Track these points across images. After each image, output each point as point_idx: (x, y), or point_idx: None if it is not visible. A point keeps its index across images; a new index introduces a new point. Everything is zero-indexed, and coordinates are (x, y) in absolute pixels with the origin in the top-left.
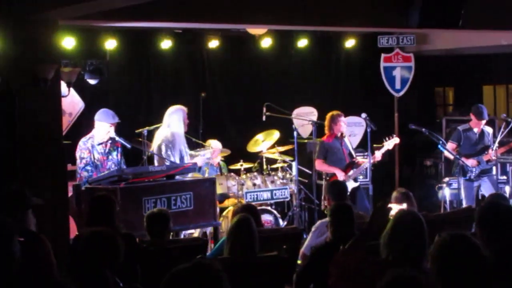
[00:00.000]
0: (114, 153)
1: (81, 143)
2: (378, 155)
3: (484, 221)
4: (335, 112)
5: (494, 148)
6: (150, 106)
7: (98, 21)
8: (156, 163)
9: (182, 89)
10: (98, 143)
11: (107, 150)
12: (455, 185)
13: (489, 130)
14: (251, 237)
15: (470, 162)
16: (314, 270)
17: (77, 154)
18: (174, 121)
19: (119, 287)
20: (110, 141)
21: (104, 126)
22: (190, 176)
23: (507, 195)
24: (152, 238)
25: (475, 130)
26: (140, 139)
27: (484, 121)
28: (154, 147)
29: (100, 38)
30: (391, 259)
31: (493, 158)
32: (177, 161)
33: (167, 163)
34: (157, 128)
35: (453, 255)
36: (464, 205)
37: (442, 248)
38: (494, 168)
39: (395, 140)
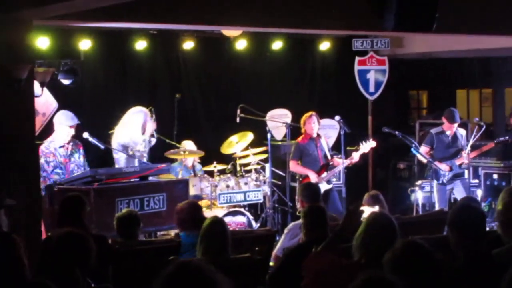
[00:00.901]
0: (76, 155)
1: (43, 147)
2: (356, 156)
3: (455, 224)
4: (312, 113)
5: (466, 152)
6: (125, 107)
7: (73, 21)
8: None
9: (157, 90)
10: (60, 146)
11: (68, 153)
12: (427, 188)
13: (462, 132)
14: (224, 239)
15: (443, 167)
16: (286, 272)
17: (42, 160)
18: (132, 123)
19: None
20: (71, 143)
21: (64, 129)
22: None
23: (479, 198)
24: (123, 239)
25: (448, 133)
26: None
27: (456, 124)
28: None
29: (74, 38)
30: (364, 261)
31: (466, 162)
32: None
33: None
34: None
35: (404, 263)
36: (437, 208)
37: (394, 256)
38: (466, 171)
39: (372, 143)
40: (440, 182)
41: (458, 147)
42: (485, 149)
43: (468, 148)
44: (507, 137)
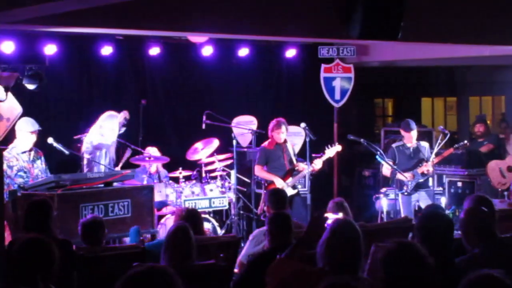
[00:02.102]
0: (38, 162)
1: (5, 153)
2: (319, 164)
3: (423, 231)
4: (280, 119)
5: (431, 160)
6: (91, 112)
7: (38, 26)
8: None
9: (122, 96)
10: (22, 152)
11: (31, 158)
12: (392, 196)
13: (425, 144)
14: (188, 245)
15: (406, 175)
16: (251, 279)
17: (5, 166)
18: (107, 127)
19: None
20: (33, 150)
21: (25, 135)
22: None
23: (443, 206)
24: (88, 245)
25: (409, 145)
26: (79, 145)
27: (413, 132)
28: (83, 148)
29: (39, 43)
30: (327, 268)
31: (430, 170)
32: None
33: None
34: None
35: (398, 264)
36: (402, 215)
37: (388, 256)
38: (430, 180)
39: (337, 147)
40: (404, 192)
41: (420, 157)
42: (445, 154)
43: (433, 156)
44: (465, 141)
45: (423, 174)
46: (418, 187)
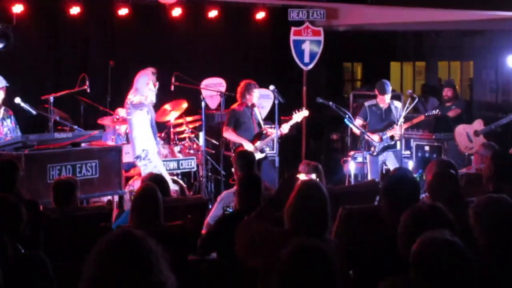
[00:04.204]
0: (8, 120)
1: None
2: (286, 128)
3: (389, 193)
4: (249, 82)
5: (399, 124)
6: (58, 73)
7: None
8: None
9: (90, 57)
10: None
11: (0, 117)
12: (360, 159)
13: (397, 105)
14: (155, 207)
15: (374, 137)
16: (218, 238)
17: None
18: (141, 85)
19: (20, 254)
20: (2, 109)
21: None
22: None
23: (411, 169)
24: (57, 206)
25: (381, 105)
26: (46, 106)
27: (387, 95)
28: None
29: (6, 2)
30: (294, 230)
31: (397, 134)
32: (147, 125)
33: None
34: (64, 95)
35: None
36: (369, 178)
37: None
38: (398, 143)
39: (304, 112)
40: (371, 153)
41: (391, 120)
42: (415, 121)
43: (401, 120)
44: (437, 111)
45: (392, 137)
46: (385, 148)
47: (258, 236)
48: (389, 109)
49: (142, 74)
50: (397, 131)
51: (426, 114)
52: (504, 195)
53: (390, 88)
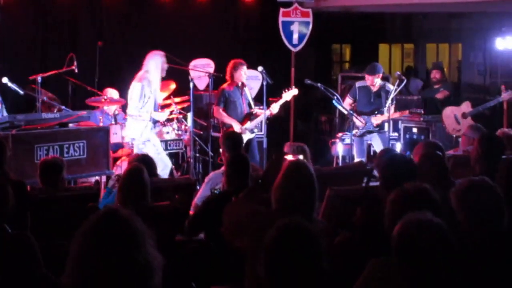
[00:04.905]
0: None
1: None
2: (276, 108)
3: (391, 179)
4: (237, 60)
5: (387, 105)
6: (46, 53)
7: None
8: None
9: (79, 37)
10: None
11: None
12: (348, 141)
13: (391, 86)
14: (142, 187)
15: (358, 122)
16: (206, 218)
17: None
18: (151, 67)
19: (7, 233)
20: None
21: None
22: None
23: (398, 151)
24: (44, 186)
25: (372, 88)
26: (33, 86)
27: (376, 76)
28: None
29: None
30: (282, 209)
31: (380, 121)
32: (151, 107)
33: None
34: (52, 75)
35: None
36: (356, 159)
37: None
38: (386, 124)
39: (294, 91)
40: (354, 134)
41: (380, 105)
42: (398, 115)
43: (389, 101)
44: (421, 110)
45: (378, 126)
46: (368, 132)
47: (246, 217)
48: (379, 93)
49: (153, 55)
50: (378, 120)
51: (411, 110)
52: (486, 178)
53: (381, 70)
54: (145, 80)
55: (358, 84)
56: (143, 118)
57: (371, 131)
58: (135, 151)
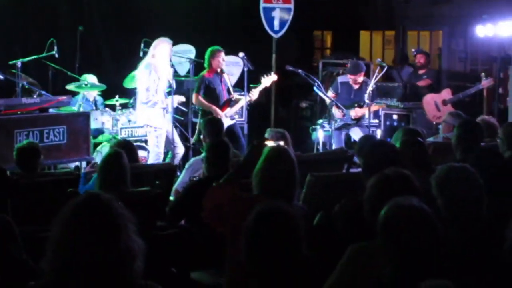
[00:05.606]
0: None
1: None
2: (255, 93)
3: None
4: (215, 48)
5: (368, 92)
6: (26, 37)
7: None
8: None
9: (59, 22)
10: None
11: None
12: (328, 127)
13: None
14: (121, 172)
15: (337, 113)
16: (187, 204)
17: None
18: (158, 53)
19: None
20: None
21: None
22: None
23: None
24: (23, 171)
25: (354, 86)
26: (14, 71)
27: (359, 75)
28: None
29: None
30: (262, 194)
31: (359, 114)
32: (161, 93)
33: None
34: (32, 60)
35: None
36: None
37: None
38: (367, 113)
39: (273, 77)
40: (332, 126)
41: (361, 98)
42: (376, 108)
43: (370, 88)
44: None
45: (356, 120)
46: (346, 125)
47: (226, 201)
48: (360, 89)
49: (160, 42)
50: (358, 113)
51: (386, 103)
52: (466, 165)
53: (364, 69)
54: (151, 66)
55: (340, 79)
56: (152, 103)
57: (349, 124)
58: (148, 138)
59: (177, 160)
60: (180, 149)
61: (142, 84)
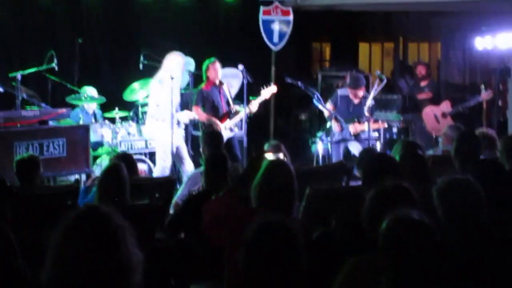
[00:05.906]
0: None
1: None
2: (255, 105)
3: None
4: (209, 60)
5: (367, 104)
6: (25, 49)
7: None
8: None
9: (57, 34)
10: None
11: None
12: (327, 141)
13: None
14: (121, 184)
15: (335, 126)
16: (186, 217)
17: None
18: (170, 67)
19: None
20: None
21: None
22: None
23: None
24: (22, 183)
25: (353, 100)
26: (14, 83)
27: (359, 90)
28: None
29: None
30: (261, 207)
31: (358, 130)
32: (174, 105)
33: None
34: (32, 72)
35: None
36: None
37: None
38: (366, 127)
39: (272, 89)
40: (330, 139)
41: (360, 113)
42: (377, 127)
43: (369, 101)
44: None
45: (356, 135)
46: (343, 140)
47: (225, 214)
48: (359, 104)
49: (173, 56)
50: (357, 129)
51: (389, 123)
52: (469, 176)
53: (364, 83)
54: (161, 80)
55: (340, 92)
56: (157, 117)
57: (347, 139)
58: (156, 151)
59: (184, 177)
60: (189, 166)
61: (153, 99)
